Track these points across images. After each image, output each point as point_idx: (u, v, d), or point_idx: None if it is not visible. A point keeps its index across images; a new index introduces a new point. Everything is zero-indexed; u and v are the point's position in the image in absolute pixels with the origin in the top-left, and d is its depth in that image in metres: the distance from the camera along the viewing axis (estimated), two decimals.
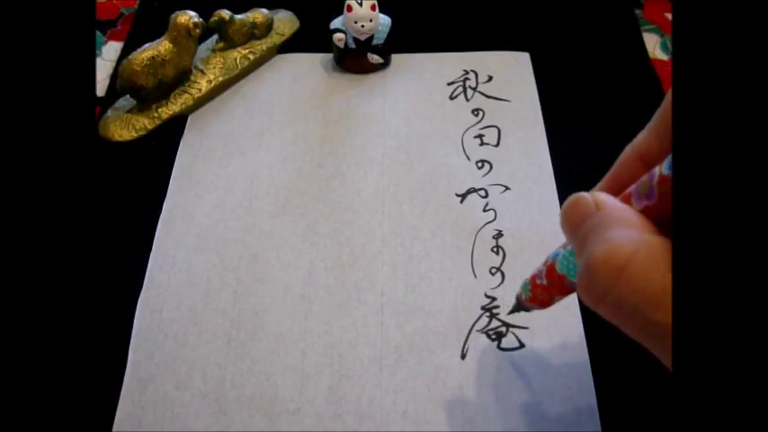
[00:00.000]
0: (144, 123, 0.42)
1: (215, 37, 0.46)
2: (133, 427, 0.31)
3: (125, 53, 0.45)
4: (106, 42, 0.49)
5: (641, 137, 0.23)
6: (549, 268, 0.25)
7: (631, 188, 0.21)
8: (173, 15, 0.42)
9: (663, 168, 0.19)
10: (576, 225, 0.21)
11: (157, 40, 0.42)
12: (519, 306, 0.30)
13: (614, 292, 0.18)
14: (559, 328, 0.33)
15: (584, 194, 0.21)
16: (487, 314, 0.34)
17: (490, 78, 0.45)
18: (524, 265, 0.36)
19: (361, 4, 0.41)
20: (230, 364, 0.33)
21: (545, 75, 0.45)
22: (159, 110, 0.43)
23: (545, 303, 0.27)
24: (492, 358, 0.32)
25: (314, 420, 0.31)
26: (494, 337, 0.33)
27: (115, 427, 0.31)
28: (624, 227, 0.19)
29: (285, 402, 0.31)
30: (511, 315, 0.32)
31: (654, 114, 0.23)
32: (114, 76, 0.44)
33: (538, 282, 0.26)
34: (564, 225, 0.22)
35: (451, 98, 0.44)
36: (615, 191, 0.21)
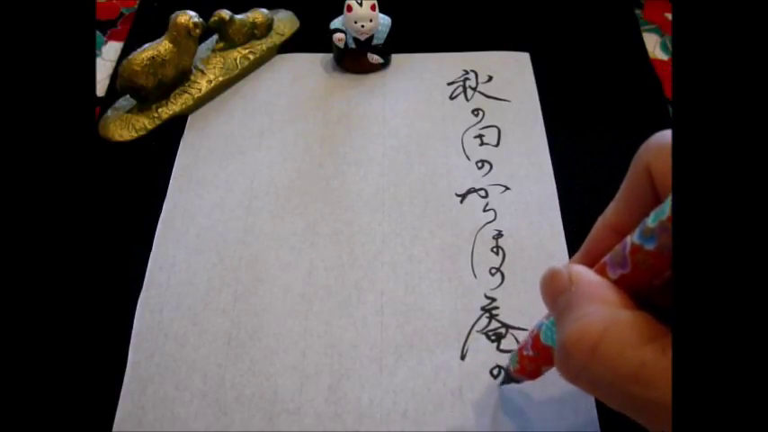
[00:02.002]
0: (144, 123, 0.42)
1: (215, 37, 0.46)
2: (133, 427, 0.31)
3: (125, 53, 0.45)
4: (106, 42, 0.49)
5: (611, 209, 0.23)
6: (535, 339, 0.25)
7: (606, 258, 0.21)
8: (173, 15, 0.42)
9: (634, 237, 0.19)
10: (553, 299, 0.21)
11: (157, 40, 0.42)
12: (508, 378, 0.30)
13: (588, 371, 0.18)
14: None
15: (559, 268, 0.21)
16: (487, 315, 0.34)
17: (490, 78, 0.45)
18: (524, 266, 0.36)
19: (361, 4, 0.41)
20: (230, 364, 0.33)
21: (545, 75, 0.45)
22: (159, 110, 0.43)
23: (533, 374, 0.27)
24: (492, 359, 0.32)
25: (314, 420, 0.31)
26: (493, 338, 0.33)
27: (115, 427, 0.31)
28: (596, 303, 0.19)
29: (285, 402, 0.31)
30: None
31: (621, 186, 0.22)
32: (114, 76, 0.44)
33: (525, 353, 0.26)
34: (543, 297, 0.22)
35: (451, 98, 0.44)
36: (591, 262, 0.21)
